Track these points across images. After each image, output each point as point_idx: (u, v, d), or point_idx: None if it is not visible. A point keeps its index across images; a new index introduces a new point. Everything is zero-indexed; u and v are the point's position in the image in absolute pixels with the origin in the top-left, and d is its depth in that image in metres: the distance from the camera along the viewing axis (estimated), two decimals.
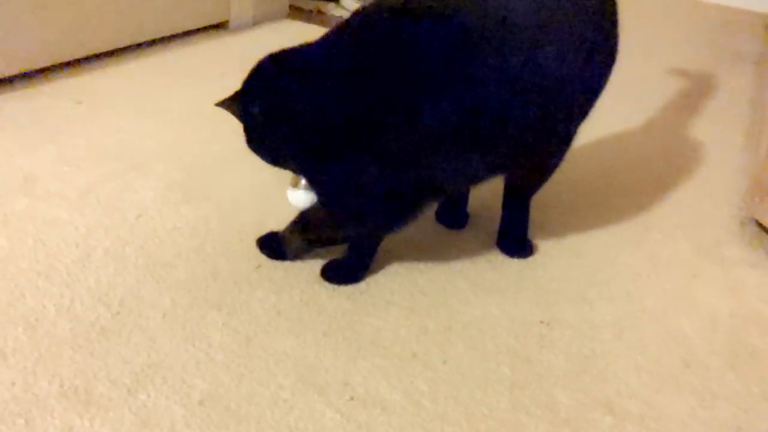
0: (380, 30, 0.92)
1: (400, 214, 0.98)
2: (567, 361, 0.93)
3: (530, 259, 1.14)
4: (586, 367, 0.92)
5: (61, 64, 1.63)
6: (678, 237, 1.24)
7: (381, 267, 1.07)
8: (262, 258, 1.06)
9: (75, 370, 0.83)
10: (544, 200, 1.19)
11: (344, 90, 0.91)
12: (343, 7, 2.37)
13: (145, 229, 1.11)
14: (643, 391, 0.89)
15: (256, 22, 2.13)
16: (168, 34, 1.89)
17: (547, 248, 1.17)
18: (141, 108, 1.52)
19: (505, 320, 0.99)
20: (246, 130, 0.97)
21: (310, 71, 0.92)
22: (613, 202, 1.34)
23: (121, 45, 1.77)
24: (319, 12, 2.33)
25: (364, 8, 0.95)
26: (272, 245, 1.06)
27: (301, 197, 1.17)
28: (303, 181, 1.16)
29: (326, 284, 1.02)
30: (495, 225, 1.16)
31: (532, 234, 1.17)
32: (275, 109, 0.94)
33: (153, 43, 1.85)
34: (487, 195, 1.12)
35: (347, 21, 0.95)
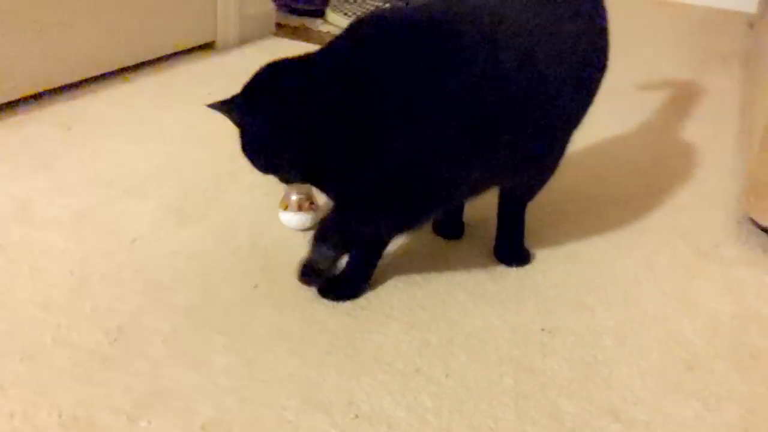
0: (379, 38, 0.93)
1: (408, 213, 0.98)
2: (570, 369, 0.93)
3: (528, 267, 1.14)
4: (589, 374, 0.92)
5: (49, 90, 1.63)
6: (674, 240, 1.24)
7: (380, 281, 1.07)
8: (260, 277, 1.06)
9: (75, 399, 0.82)
10: (539, 208, 1.18)
11: (345, 95, 0.91)
12: (330, 23, 2.37)
13: (141, 253, 1.10)
14: (648, 397, 0.89)
15: (243, 41, 2.14)
16: (155, 56, 1.89)
17: (544, 256, 1.17)
18: (132, 131, 1.51)
19: (507, 330, 0.99)
20: (242, 135, 0.95)
21: (313, 78, 0.92)
22: (608, 208, 1.34)
23: (109, 69, 1.77)
24: (306, 29, 2.34)
25: (363, 17, 0.96)
26: (313, 272, 1.03)
27: (293, 219, 1.17)
28: (293, 202, 1.16)
29: (326, 301, 1.02)
30: (491, 234, 1.16)
31: (528, 242, 1.16)
32: (277, 115, 0.92)
33: (141, 66, 1.85)
34: (482, 204, 1.12)
35: (347, 30, 0.96)
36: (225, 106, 0.94)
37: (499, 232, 1.15)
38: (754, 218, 1.25)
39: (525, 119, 0.97)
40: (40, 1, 1.56)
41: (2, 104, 1.53)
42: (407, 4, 1.20)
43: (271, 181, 1.15)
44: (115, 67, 1.78)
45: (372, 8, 2.26)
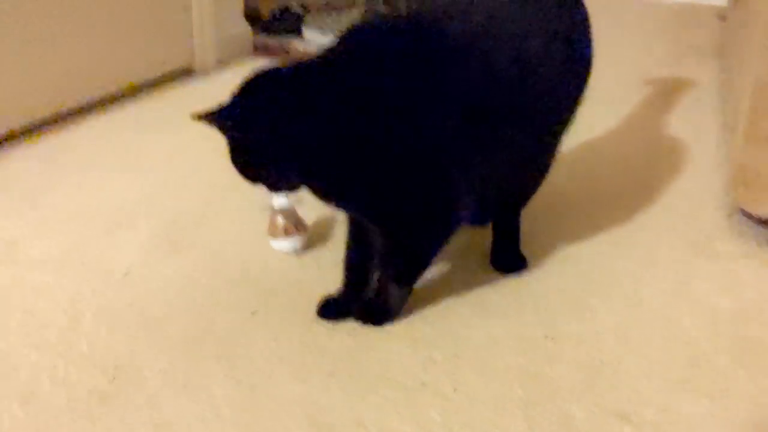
0: (370, 44, 0.94)
1: (437, 210, 0.98)
2: (576, 373, 0.92)
3: (526, 273, 1.13)
4: (595, 377, 0.91)
5: (28, 126, 1.61)
6: (669, 236, 1.24)
7: None
8: (256, 304, 1.04)
9: None
10: (531, 212, 1.18)
11: (336, 102, 0.90)
12: (308, 42, 2.37)
13: (133, 286, 1.08)
14: (655, 397, 0.88)
15: (222, 64, 2.13)
16: (131, 84, 1.87)
17: (541, 261, 1.16)
18: (115, 163, 1.50)
19: (511, 339, 0.98)
20: (230, 145, 0.93)
21: (305, 85, 0.91)
22: (600, 208, 1.34)
23: (87, 101, 1.75)
24: (283, 48, 2.33)
25: (353, 26, 0.97)
26: (337, 308, 1.03)
27: (284, 245, 1.16)
28: (280, 227, 1.14)
29: (325, 323, 1.00)
30: (487, 244, 1.15)
31: (525, 249, 1.16)
32: (267, 123, 0.90)
33: (120, 96, 1.83)
34: None
35: (339, 38, 0.96)
36: (212, 117, 0.91)
37: (495, 242, 1.15)
38: (745, 208, 1.24)
39: (520, 114, 0.99)
40: (10, 37, 1.54)
41: None
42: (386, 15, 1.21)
43: (259, 203, 1.15)
44: (95, 96, 1.77)
45: (349, 23, 2.26)
